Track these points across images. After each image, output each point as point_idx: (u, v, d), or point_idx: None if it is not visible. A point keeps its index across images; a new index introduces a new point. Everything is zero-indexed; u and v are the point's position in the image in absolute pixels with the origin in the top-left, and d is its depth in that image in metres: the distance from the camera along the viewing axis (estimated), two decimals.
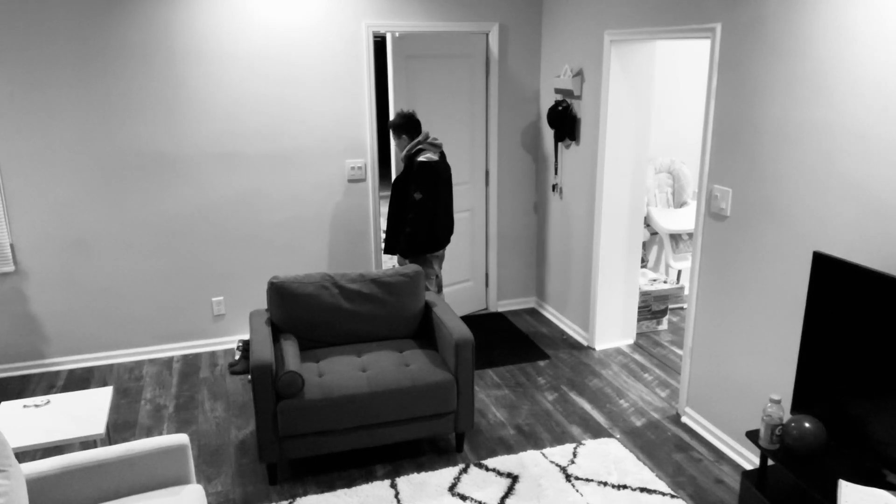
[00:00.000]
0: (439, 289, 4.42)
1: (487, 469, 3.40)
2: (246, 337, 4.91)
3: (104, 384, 4.33)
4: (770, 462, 3.22)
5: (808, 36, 2.84)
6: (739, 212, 3.33)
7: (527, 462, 3.45)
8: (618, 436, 3.71)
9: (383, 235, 4.55)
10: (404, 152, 4.17)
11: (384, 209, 5.09)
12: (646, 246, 5.75)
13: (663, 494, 3.19)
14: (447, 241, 4.31)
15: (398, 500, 3.16)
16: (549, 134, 5.10)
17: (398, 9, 4.66)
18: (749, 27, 3.16)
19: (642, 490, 3.22)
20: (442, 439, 3.68)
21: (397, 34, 4.65)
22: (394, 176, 4.96)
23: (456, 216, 5.23)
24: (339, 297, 3.62)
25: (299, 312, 3.57)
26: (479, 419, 3.89)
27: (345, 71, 4.64)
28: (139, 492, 2.53)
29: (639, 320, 5.03)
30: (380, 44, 5.62)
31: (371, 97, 4.74)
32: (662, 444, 3.63)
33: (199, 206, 4.58)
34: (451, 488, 3.25)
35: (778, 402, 2.68)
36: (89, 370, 4.55)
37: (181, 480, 2.59)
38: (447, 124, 4.99)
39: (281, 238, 4.81)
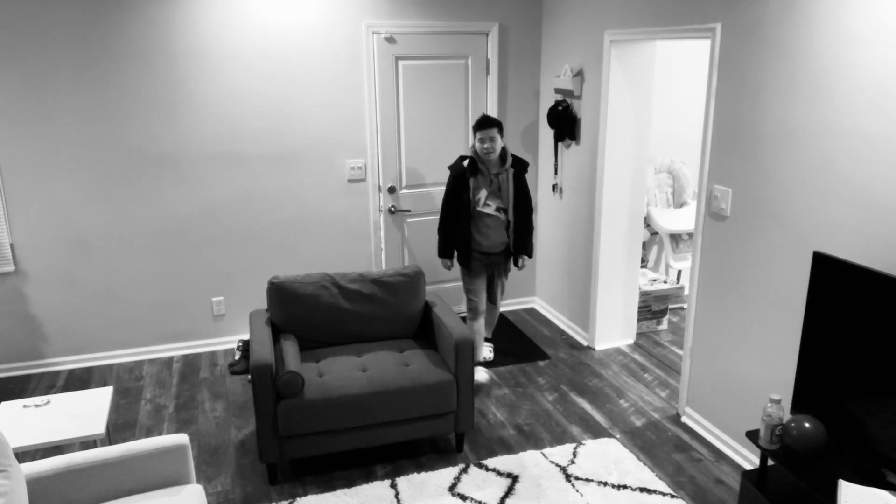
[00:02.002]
0: None
1: (487, 469, 3.40)
2: (246, 337, 4.91)
3: (104, 384, 4.33)
4: (770, 462, 3.22)
5: (808, 36, 2.84)
6: (739, 212, 3.33)
7: (527, 462, 3.45)
8: (618, 436, 3.71)
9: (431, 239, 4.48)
10: (502, 153, 4.10)
11: (384, 211, 5.08)
12: (646, 246, 5.75)
13: (663, 494, 3.19)
14: None
15: (398, 500, 3.16)
16: (549, 134, 5.10)
17: (398, 9, 4.66)
18: (749, 27, 3.16)
19: (642, 490, 3.22)
20: (442, 439, 3.68)
21: (396, 35, 4.66)
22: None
23: None
24: (339, 297, 3.62)
25: (299, 312, 3.57)
26: (479, 419, 3.89)
27: (345, 71, 4.64)
28: (139, 492, 2.53)
29: (639, 320, 5.03)
30: None
31: (371, 97, 4.74)
32: (662, 444, 3.63)
33: (199, 206, 4.58)
34: (451, 488, 3.25)
35: (778, 402, 2.68)
36: (89, 370, 4.55)
37: (181, 480, 2.59)
38: (448, 124, 4.99)
39: (281, 238, 4.81)
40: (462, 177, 4.08)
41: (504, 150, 4.10)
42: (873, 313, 2.41)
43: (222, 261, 4.72)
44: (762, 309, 3.24)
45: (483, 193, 4.08)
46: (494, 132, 3.97)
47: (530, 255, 4.29)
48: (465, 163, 4.07)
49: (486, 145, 3.98)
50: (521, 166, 4.15)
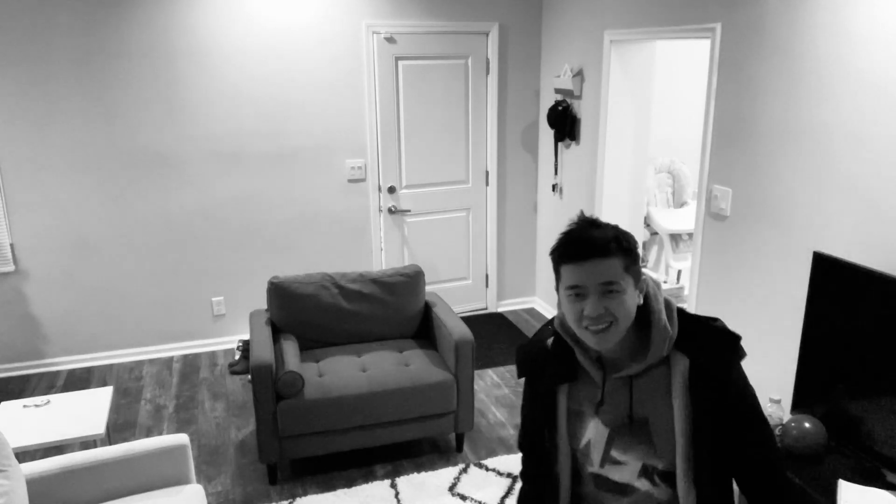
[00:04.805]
0: None
1: (487, 469, 3.40)
2: (246, 337, 4.91)
3: (104, 384, 4.33)
4: None
5: (808, 36, 2.84)
6: (739, 212, 3.33)
7: None
8: None
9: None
10: (640, 319, 1.45)
11: (384, 211, 5.07)
12: (646, 246, 5.75)
13: None
14: None
15: (398, 500, 3.16)
16: (549, 134, 5.10)
17: (398, 9, 4.66)
18: (749, 27, 3.16)
19: None
20: (442, 439, 3.68)
21: (395, 34, 4.66)
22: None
23: (454, 215, 5.24)
24: (339, 297, 3.62)
25: (299, 312, 3.57)
26: (479, 419, 3.89)
27: (345, 71, 4.64)
28: (139, 492, 2.53)
29: None
30: None
31: (371, 97, 4.74)
32: None
33: (199, 205, 4.58)
34: (451, 488, 3.25)
35: (778, 402, 2.68)
36: (89, 370, 4.55)
37: (181, 480, 2.59)
38: (447, 124, 4.99)
39: (281, 238, 4.81)
40: (539, 374, 1.58)
41: (652, 309, 1.44)
42: (873, 313, 2.41)
43: (222, 261, 4.72)
44: (762, 309, 3.24)
45: (596, 428, 1.50)
46: (615, 266, 1.37)
47: None
48: (550, 342, 1.58)
49: (586, 309, 1.38)
50: (714, 354, 1.42)
